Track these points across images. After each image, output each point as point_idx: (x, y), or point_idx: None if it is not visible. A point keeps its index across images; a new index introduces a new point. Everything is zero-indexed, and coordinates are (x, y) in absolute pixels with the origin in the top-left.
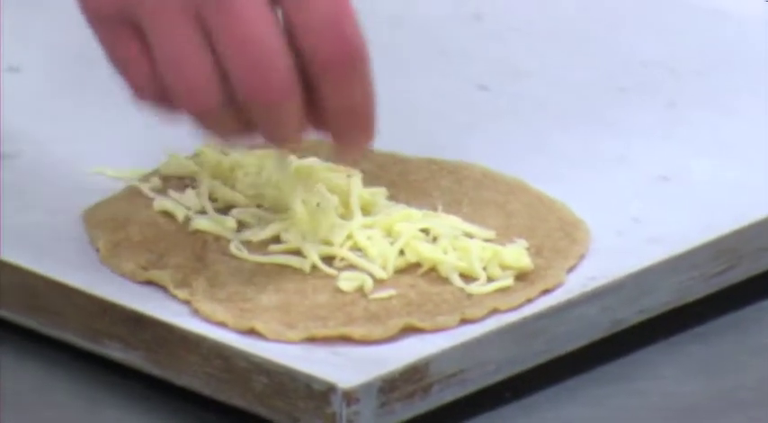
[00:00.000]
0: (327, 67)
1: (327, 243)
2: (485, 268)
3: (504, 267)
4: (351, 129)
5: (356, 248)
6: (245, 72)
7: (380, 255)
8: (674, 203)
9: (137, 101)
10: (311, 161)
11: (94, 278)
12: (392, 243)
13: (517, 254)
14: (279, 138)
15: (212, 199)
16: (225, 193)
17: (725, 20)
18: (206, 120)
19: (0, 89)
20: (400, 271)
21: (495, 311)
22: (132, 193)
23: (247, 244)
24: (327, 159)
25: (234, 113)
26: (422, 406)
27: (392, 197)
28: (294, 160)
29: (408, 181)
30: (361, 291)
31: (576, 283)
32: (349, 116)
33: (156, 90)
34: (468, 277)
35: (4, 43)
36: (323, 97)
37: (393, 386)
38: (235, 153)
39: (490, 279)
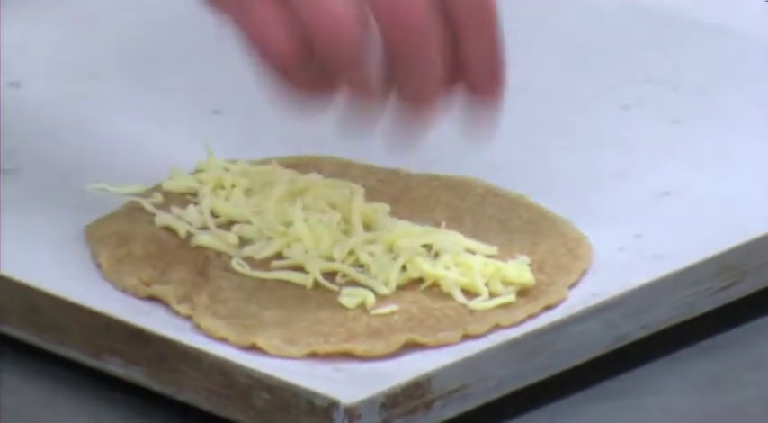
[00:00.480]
0: (470, 11)
1: (329, 259)
2: (487, 284)
3: (506, 283)
4: (489, 78)
5: (358, 264)
6: (387, 10)
7: (382, 270)
8: (676, 219)
9: (274, 78)
10: (313, 177)
11: (96, 294)
12: (394, 259)
13: (519, 270)
14: (419, 91)
15: (214, 215)
16: (227, 209)
17: (727, 36)
18: (349, 66)
19: (0, 104)
20: (402, 287)
21: (497, 327)
22: (134, 209)
23: (249, 260)
24: (330, 175)
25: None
26: (424, 422)
27: (394, 213)
28: (296, 176)
29: (410, 197)
30: (363, 306)
31: (578, 299)
32: (487, 64)
33: (295, 53)
34: (469, 293)
35: (4, 58)
36: (464, 45)
37: (395, 402)
38: (235, 169)
39: (492, 295)
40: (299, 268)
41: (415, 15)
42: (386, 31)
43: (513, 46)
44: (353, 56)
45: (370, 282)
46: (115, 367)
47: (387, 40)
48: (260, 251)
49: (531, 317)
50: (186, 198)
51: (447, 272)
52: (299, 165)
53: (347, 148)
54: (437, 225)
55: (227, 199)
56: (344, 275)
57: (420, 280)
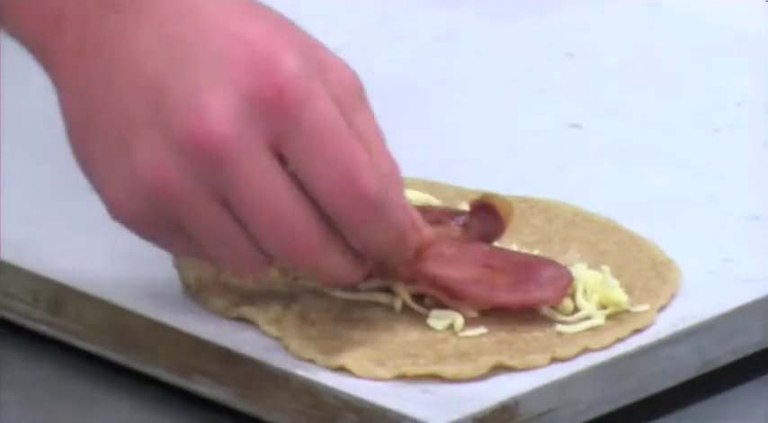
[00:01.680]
0: (347, 222)
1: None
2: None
3: (601, 304)
4: (385, 256)
5: None
6: (277, 245)
7: None
8: (766, 243)
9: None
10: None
11: (185, 314)
12: None
13: (618, 292)
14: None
15: None
16: None
17: None
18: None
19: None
20: (490, 309)
21: (585, 350)
22: None
23: None
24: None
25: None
26: None
27: None
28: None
29: None
30: (451, 329)
31: (666, 323)
32: (380, 249)
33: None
34: (559, 311)
35: None
36: (350, 240)
37: None
38: None
39: (581, 317)
40: (388, 290)
41: (306, 238)
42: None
43: (605, 69)
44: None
45: (458, 304)
46: (203, 387)
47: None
48: None
49: (619, 340)
50: None
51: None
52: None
53: (435, 169)
54: (526, 247)
55: None
56: (433, 297)
57: None
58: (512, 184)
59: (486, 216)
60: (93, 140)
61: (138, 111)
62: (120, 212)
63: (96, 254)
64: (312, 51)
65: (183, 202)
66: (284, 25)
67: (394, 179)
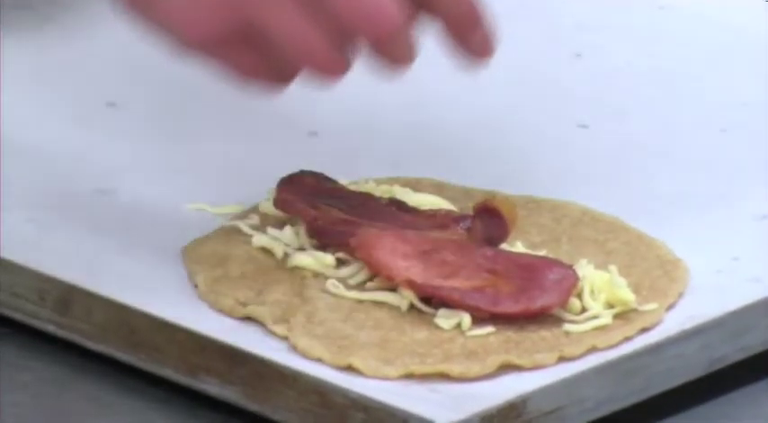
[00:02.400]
0: None
1: None
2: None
3: (608, 304)
4: (469, 29)
5: None
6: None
7: None
8: None
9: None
10: (410, 197)
11: (193, 314)
12: None
13: (626, 290)
14: (397, 62)
15: (311, 236)
16: None
17: None
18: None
19: (98, 124)
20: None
21: (593, 349)
22: (231, 230)
23: (344, 281)
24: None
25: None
26: None
27: None
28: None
29: None
30: (459, 328)
31: (674, 322)
32: (465, 19)
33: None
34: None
35: (100, 77)
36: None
37: None
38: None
39: (589, 316)
40: (394, 290)
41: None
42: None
43: (613, 69)
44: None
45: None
46: (211, 387)
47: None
48: (356, 276)
49: (627, 339)
50: (282, 220)
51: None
52: (396, 186)
53: (443, 168)
54: (534, 247)
55: None
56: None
57: None
58: (519, 183)
59: (490, 219)
60: None
61: None
62: (193, 33)
63: (103, 253)
64: None
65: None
66: None
67: None
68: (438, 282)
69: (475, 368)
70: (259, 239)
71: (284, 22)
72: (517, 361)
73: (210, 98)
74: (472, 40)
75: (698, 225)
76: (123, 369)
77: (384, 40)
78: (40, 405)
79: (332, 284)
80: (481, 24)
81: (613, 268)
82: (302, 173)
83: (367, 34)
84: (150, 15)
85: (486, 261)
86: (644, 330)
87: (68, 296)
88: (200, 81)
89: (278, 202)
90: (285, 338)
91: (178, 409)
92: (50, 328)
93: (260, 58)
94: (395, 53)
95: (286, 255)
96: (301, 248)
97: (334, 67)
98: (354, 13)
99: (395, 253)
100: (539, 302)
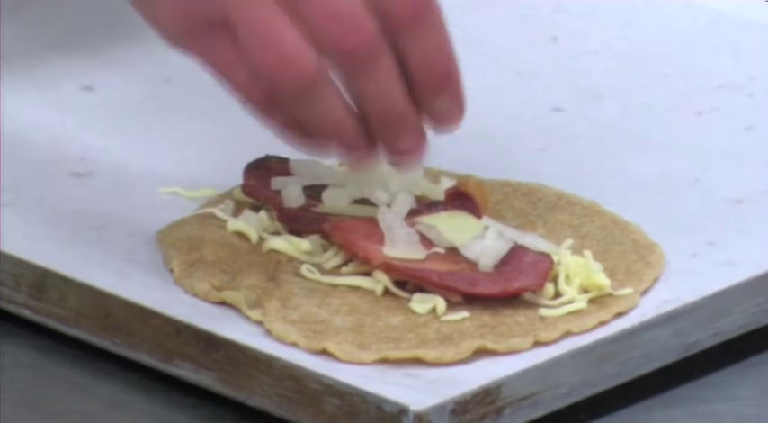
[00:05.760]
0: (403, 21)
1: None
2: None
3: (583, 288)
4: (437, 92)
5: None
6: (334, 30)
7: None
8: (749, 227)
9: (246, 107)
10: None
11: (168, 299)
12: None
13: (601, 276)
14: (380, 100)
15: (280, 222)
16: None
17: None
18: (304, 99)
19: (74, 108)
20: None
21: (568, 334)
22: (206, 214)
23: (319, 265)
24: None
25: (333, 89)
26: None
27: None
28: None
29: None
30: (433, 313)
31: (649, 307)
32: (433, 74)
33: (261, 92)
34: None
35: (78, 63)
36: (404, 54)
37: (465, 408)
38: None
39: (564, 301)
40: (369, 274)
41: (363, 26)
42: (338, 61)
43: (589, 53)
44: (307, 89)
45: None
46: (185, 372)
47: (338, 50)
48: (330, 261)
49: (602, 324)
50: (258, 204)
51: None
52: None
53: None
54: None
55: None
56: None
57: None
58: (495, 167)
59: (463, 204)
60: None
61: None
62: (171, 26)
63: (78, 238)
64: None
65: None
66: None
67: None
68: (415, 264)
69: (450, 353)
70: (234, 224)
71: (258, 20)
72: (492, 346)
73: (187, 82)
74: (437, 104)
75: (673, 209)
76: (98, 353)
77: (355, 53)
78: (16, 389)
79: (306, 269)
80: (449, 90)
81: (588, 253)
82: (268, 158)
83: (338, 46)
84: (144, 11)
85: None
86: (619, 315)
87: (43, 280)
88: (177, 66)
89: (245, 189)
90: (260, 323)
91: (154, 393)
92: (26, 313)
93: (236, 55)
94: (404, 144)
95: (261, 239)
96: (276, 233)
97: (304, 70)
98: (330, 21)
99: (370, 238)
100: (516, 284)
